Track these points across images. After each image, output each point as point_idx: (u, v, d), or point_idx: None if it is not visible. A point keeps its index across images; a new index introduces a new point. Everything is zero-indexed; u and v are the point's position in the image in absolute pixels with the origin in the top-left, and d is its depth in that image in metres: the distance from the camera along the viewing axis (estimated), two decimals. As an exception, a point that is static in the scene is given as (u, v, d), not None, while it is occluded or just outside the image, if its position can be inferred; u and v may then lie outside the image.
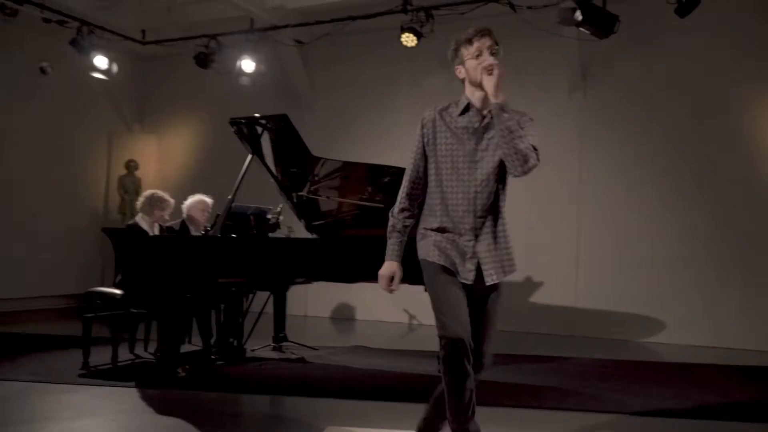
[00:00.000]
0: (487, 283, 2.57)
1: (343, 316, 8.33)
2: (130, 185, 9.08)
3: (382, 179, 5.14)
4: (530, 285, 7.36)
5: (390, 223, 2.75)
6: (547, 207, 7.28)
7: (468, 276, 2.57)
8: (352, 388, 4.39)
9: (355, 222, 5.53)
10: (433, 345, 5.95)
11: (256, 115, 4.87)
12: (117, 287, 4.99)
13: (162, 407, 3.77)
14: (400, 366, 5.15)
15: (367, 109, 8.29)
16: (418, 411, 3.82)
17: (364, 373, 4.88)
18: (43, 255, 8.45)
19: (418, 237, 2.71)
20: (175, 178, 9.31)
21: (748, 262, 6.59)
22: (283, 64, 8.43)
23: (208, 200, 5.41)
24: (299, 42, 7.94)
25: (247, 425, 3.61)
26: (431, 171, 2.65)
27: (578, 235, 7.18)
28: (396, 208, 2.75)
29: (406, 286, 8.00)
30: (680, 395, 4.35)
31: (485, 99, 2.55)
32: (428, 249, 2.62)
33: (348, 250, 4.67)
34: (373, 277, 4.88)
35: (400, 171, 4.99)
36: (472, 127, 2.59)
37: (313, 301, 8.33)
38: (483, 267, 2.57)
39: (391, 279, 2.71)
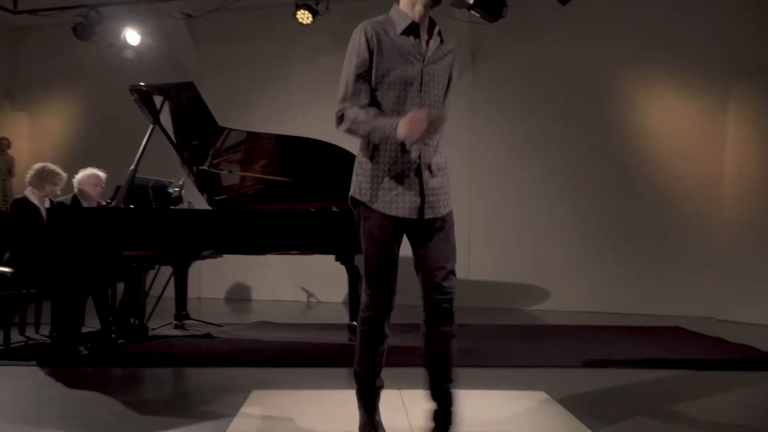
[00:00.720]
0: (435, 216, 2.44)
1: (239, 297, 8.24)
2: (2, 164, 8.43)
3: (288, 151, 5.16)
4: (425, 259, 7.64)
5: (353, 119, 2.37)
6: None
7: (413, 213, 2.42)
8: (265, 358, 4.42)
9: (258, 196, 5.52)
10: (337, 318, 6.16)
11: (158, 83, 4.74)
12: (5, 266, 4.70)
13: (69, 382, 3.62)
14: (307, 337, 5.22)
15: (259, 87, 8.20)
16: (337, 374, 3.97)
17: (273, 345, 4.91)
18: None
19: (357, 171, 2.51)
20: (50, 158, 8.69)
21: (620, 235, 7.24)
22: (170, 38, 8.15)
23: (101, 174, 5.18)
24: (188, 15, 7.72)
25: (167, 394, 3.55)
26: (374, 95, 2.40)
27: (470, 211, 7.55)
28: (345, 110, 2.40)
29: (302, 262, 8.13)
30: (567, 350, 4.75)
31: (425, 14, 2.42)
32: (368, 190, 2.43)
33: (256, 221, 4.67)
34: (284, 249, 4.97)
35: (309, 142, 5.11)
36: (417, 48, 2.41)
37: (208, 281, 8.17)
38: (429, 200, 2.42)
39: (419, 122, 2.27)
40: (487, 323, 6.10)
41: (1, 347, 4.50)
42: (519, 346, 4.92)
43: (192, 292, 7.80)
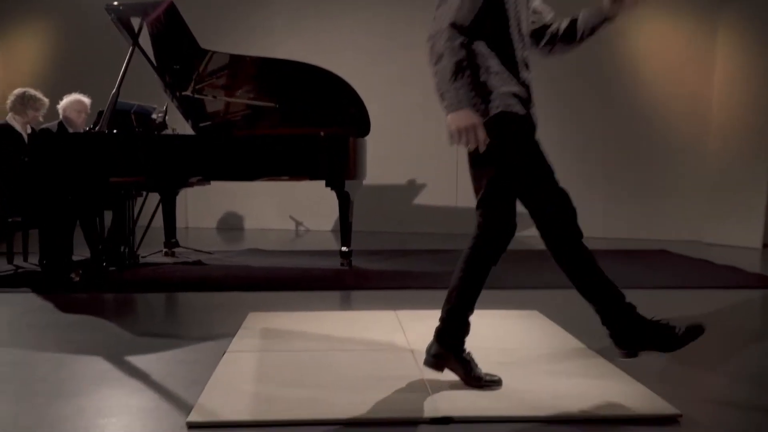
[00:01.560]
0: None
1: (227, 226, 8.21)
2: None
3: (274, 75, 5.02)
4: (414, 187, 7.62)
5: (453, 54, 2.02)
6: (428, 112, 7.48)
7: None
8: (258, 282, 4.43)
9: (245, 122, 5.41)
10: (327, 246, 6.17)
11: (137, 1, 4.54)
12: (-12, 195, 4.63)
13: (64, 307, 3.61)
14: (298, 263, 5.23)
15: (243, 7, 7.92)
16: (331, 297, 4.00)
17: (265, 270, 4.91)
18: None
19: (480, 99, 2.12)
20: (24, 86, 8.46)
21: (607, 159, 7.24)
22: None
23: (86, 100, 5.03)
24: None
25: (162, 318, 3.55)
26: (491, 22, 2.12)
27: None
28: (452, 32, 2.02)
29: (290, 191, 8.04)
30: (557, 273, 4.79)
31: None
32: (508, 100, 2.14)
33: (244, 146, 4.58)
34: (274, 175, 4.91)
35: (295, 65, 4.98)
36: None
37: (195, 211, 8.11)
38: None
39: (474, 130, 2.07)
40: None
41: (-10, 276, 4.47)
42: (509, 269, 4.96)
43: (179, 221, 7.76)
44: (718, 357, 2.75)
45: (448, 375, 2.29)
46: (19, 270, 4.82)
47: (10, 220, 4.65)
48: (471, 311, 2.29)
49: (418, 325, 3.08)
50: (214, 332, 3.07)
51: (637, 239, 6.90)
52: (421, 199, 7.66)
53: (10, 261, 4.98)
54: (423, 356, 2.31)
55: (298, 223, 7.90)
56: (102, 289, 4.18)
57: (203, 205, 8.00)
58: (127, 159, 4.34)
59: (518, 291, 4.17)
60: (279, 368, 2.49)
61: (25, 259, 5.09)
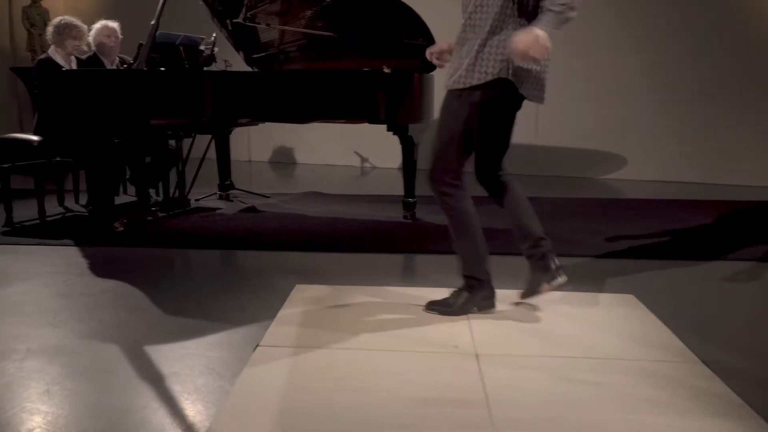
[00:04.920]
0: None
1: (289, 161, 7.84)
2: (36, 17, 7.93)
3: (333, 2, 4.44)
4: (488, 122, 6.97)
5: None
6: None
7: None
8: (312, 238, 4.02)
9: (301, 53, 4.89)
10: (392, 189, 5.69)
11: None
12: (35, 133, 4.36)
13: (100, 267, 3.32)
14: (359, 212, 4.79)
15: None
16: (386, 261, 3.55)
17: (321, 222, 4.50)
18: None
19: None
20: (86, 6, 8.18)
21: (705, 97, 6.34)
22: None
23: (112, 24, 4.61)
24: None
25: (203, 282, 3.20)
26: None
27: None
28: None
29: (354, 125, 7.51)
30: (653, 234, 4.18)
31: None
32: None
33: (296, 84, 4.08)
34: (328, 117, 4.43)
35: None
36: None
37: (258, 145, 7.77)
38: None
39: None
40: (557, 195, 5.55)
41: (36, 220, 4.24)
42: (595, 226, 4.37)
43: (241, 155, 7.47)
44: None
45: (518, 410, 1.82)
46: (67, 214, 4.60)
47: (57, 159, 4.39)
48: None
49: (485, 315, 2.60)
50: (253, 307, 2.70)
51: (738, 185, 6.09)
52: (496, 136, 7.01)
53: (60, 203, 4.77)
54: (490, 364, 2.02)
55: (363, 160, 7.43)
56: (145, 243, 3.87)
57: (265, 140, 7.64)
58: (163, 101, 3.92)
59: (607, 261, 3.58)
60: (313, 374, 2.08)
61: (76, 201, 4.86)
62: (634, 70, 6.49)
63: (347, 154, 7.42)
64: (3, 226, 4.12)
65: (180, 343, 2.35)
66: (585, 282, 3.06)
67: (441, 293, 2.70)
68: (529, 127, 6.70)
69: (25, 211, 4.34)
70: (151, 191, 4.80)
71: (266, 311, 2.65)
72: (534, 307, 2.67)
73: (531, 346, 2.32)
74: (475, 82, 2.39)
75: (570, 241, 3.89)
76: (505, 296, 2.70)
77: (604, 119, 6.64)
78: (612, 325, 2.54)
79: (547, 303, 2.69)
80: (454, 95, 2.46)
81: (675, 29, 6.33)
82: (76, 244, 3.75)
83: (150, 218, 4.39)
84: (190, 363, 2.17)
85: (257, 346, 2.29)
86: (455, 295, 2.61)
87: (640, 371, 2.11)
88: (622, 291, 2.94)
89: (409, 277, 3.46)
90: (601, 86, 6.62)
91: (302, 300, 2.80)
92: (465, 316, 2.58)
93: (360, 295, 2.86)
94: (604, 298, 2.87)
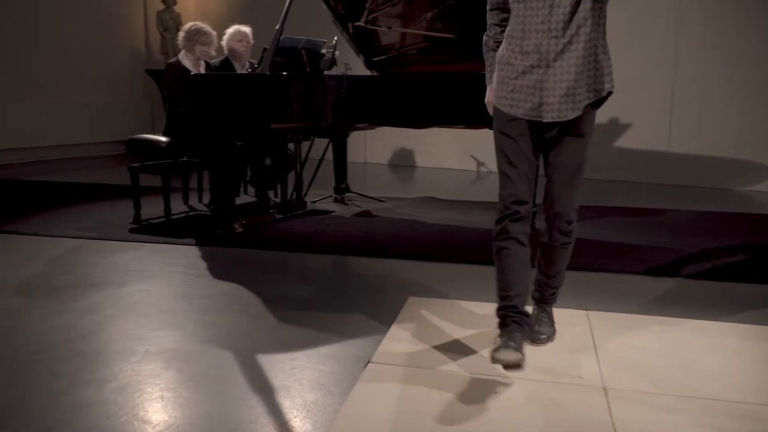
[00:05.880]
0: (545, 120, 2.05)
1: (405, 163, 7.79)
2: (169, 21, 8.35)
3: (455, 2, 4.31)
4: (616, 127, 6.59)
5: (483, 42, 2.27)
6: (640, 35, 6.30)
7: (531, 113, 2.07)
8: (426, 247, 3.91)
9: (422, 56, 4.79)
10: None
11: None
12: (165, 134, 4.55)
13: (219, 268, 3.38)
14: (474, 220, 4.63)
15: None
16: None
17: (436, 229, 4.38)
18: (87, 101, 8.02)
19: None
20: (216, 11, 8.54)
21: None
22: None
23: (245, 29, 4.72)
24: None
25: (317, 288, 3.18)
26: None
27: (675, 70, 6.25)
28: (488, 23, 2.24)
29: (472, 130, 7.29)
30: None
31: None
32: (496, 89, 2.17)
33: (417, 88, 3.99)
34: (444, 122, 4.31)
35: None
36: None
37: (374, 148, 7.78)
38: (547, 101, 2.02)
39: None
40: (692, 207, 5.13)
41: (162, 218, 4.42)
42: (728, 244, 3.97)
43: (357, 156, 7.51)
44: None
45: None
46: (190, 213, 4.76)
47: (183, 159, 4.56)
48: None
49: (614, 341, 2.38)
50: (365, 319, 2.63)
51: None
52: (623, 142, 6.62)
53: (185, 201, 4.96)
54: (619, 399, 1.83)
55: (479, 164, 7.25)
56: (262, 245, 3.91)
57: (381, 142, 7.63)
58: (285, 105, 3.94)
59: (632, 277, 3.22)
60: (424, 398, 1.97)
61: (200, 200, 5.05)
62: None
63: (463, 158, 7.27)
64: (131, 223, 4.33)
65: (291, 353, 2.31)
66: (728, 310, 2.75)
67: (563, 315, 2.51)
68: (663, 132, 6.27)
69: (152, 209, 4.54)
70: (270, 193, 4.88)
71: (378, 323, 2.57)
72: (666, 332, 2.42)
73: (669, 382, 2.08)
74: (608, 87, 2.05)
75: (709, 260, 3.55)
76: (636, 322, 2.47)
77: (746, 125, 6.09)
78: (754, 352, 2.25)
79: (686, 331, 2.43)
80: (590, 117, 2.10)
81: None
82: (197, 244, 3.85)
83: (268, 220, 4.46)
84: (300, 377, 2.12)
85: (368, 362, 2.21)
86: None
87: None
88: (773, 323, 2.61)
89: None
90: (741, 93, 6.07)
91: (415, 314, 2.70)
92: (591, 341, 2.38)
93: (476, 312, 2.72)
94: (752, 330, 2.56)
